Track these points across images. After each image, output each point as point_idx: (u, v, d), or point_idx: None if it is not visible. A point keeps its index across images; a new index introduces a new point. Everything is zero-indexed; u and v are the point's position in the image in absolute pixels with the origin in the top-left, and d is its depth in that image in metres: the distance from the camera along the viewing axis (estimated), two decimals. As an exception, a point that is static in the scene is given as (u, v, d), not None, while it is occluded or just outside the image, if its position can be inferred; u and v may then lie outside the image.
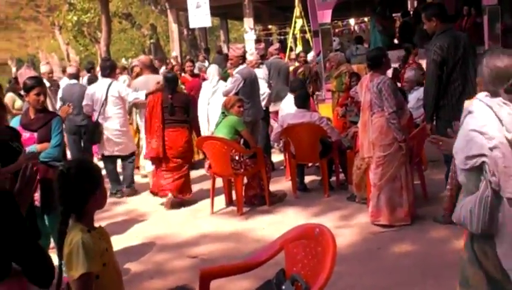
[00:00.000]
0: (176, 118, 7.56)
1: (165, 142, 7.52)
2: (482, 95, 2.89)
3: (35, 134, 5.17)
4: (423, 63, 6.49)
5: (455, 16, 14.11)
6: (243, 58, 8.63)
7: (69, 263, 2.65)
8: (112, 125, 8.23)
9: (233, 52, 8.69)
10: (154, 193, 7.86)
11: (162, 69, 12.02)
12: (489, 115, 2.78)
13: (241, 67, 8.47)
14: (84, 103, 8.33)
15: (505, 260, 2.80)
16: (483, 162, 2.75)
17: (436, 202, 6.49)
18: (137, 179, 9.15)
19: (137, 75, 9.33)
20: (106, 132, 8.23)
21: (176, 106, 7.59)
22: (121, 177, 8.69)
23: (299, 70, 10.68)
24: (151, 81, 8.26)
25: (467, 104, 3.31)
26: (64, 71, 14.12)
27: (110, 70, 8.41)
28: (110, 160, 8.51)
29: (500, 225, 2.79)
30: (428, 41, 12.94)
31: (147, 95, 8.03)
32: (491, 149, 2.74)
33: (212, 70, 9.17)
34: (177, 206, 7.61)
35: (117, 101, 8.23)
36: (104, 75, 8.48)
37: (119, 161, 8.64)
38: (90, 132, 8.37)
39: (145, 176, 9.13)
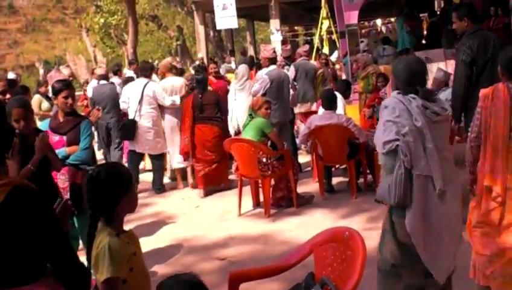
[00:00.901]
0: (205, 115, 8.15)
1: (196, 137, 8.22)
2: (394, 93, 3.57)
3: (65, 137, 5.20)
4: (450, 63, 6.43)
5: (482, 17, 13.92)
6: (272, 59, 8.69)
7: (96, 266, 2.69)
8: (144, 123, 8.53)
9: (262, 53, 8.86)
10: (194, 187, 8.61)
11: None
12: (401, 108, 3.42)
13: (270, 68, 8.51)
14: (121, 100, 8.80)
15: (410, 226, 3.43)
16: (397, 145, 3.38)
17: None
18: (165, 180, 9.22)
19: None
20: (139, 129, 8.51)
21: (206, 104, 8.19)
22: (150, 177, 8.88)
23: (319, 72, 10.62)
24: (177, 83, 8.83)
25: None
26: (92, 73, 14.29)
27: (150, 71, 9.05)
28: (137, 157, 8.83)
29: (411, 197, 3.42)
30: (455, 42, 12.84)
31: (181, 99, 8.59)
32: (403, 135, 3.38)
33: (242, 70, 9.23)
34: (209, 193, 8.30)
35: (151, 101, 8.55)
36: (144, 76, 8.82)
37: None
38: (126, 128, 8.61)
39: (174, 179, 9.27)
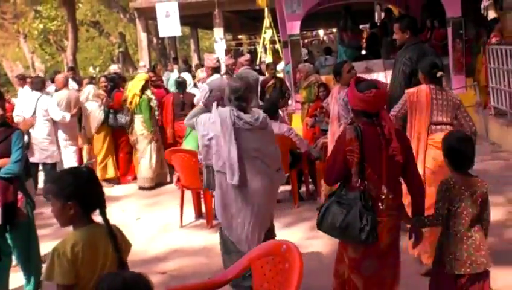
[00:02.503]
0: (185, 113, 8.24)
1: (175, 131, 9.42)
2: (214, 106, 4.56)
3: (-5, 149, 4.91)
4: (389, 73, 6.58)
5: (420, 29, 14.32)
6: (215, 68, 8.72)
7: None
8: (39, 134, 8.76)
9: (206, 62, 9.01)
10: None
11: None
12: (214, 118, 4.35)
13: (212, 77, 8.52)
14: (14, 113, 9.16)
15: (216, 213, 4.51)
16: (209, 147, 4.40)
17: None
18: (107, 191, 9.02)
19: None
20: (33, 140, 8.67)
21: (186, 103, 9.33)
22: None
23: (269, 84, 10.65)
24: (71, 96, 9.33)
25: None
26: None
27: (41, 85, 9.42)
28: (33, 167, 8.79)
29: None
30: (394, 53, 13.15)
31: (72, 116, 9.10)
32: (208, 140, 4.36)
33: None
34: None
35: (45, 113, 8.90)
36: (36, 89, 9.16)
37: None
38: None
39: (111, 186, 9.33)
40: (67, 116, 9.01)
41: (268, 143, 4.48)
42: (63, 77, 9.98)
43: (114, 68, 14.44)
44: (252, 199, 4.35)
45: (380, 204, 3.50)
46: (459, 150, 3.69)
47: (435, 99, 4.89)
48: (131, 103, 9.16)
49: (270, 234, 4.65)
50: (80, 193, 2.82)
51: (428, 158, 4.95)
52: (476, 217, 3.62)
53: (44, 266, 2.89)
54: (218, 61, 9.08)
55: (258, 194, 4.36)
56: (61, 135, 9.14)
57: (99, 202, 2.92)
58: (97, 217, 2.97)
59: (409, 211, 3.83)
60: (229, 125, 4.25)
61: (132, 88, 9.22)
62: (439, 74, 4.93)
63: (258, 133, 4.37)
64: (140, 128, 9.16)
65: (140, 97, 9.07)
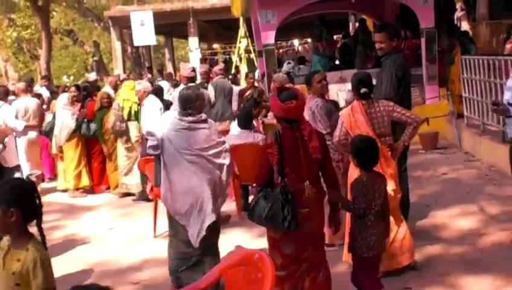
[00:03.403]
0: None
1: None
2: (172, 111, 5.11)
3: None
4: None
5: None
6: (191, 78, 8.68)
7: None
8: None
9: (181, 72, 8.93)
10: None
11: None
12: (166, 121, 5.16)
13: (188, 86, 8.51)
14: None
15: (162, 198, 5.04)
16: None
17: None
18: (80, 201, 9.03)
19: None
20: None
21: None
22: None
23: (247, 93, 10.65)
24: (30, 103, 9.45)
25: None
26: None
27: (3, 95, 9.46)
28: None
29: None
30: (367, 62, 13.24)
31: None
32: (159, 139, 4.82)
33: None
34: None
35: (4, 121, 9.02)
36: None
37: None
38: None
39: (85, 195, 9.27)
40: (20, 125, 9.02)
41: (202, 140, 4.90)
42: (23, 84, 10.04)
43: (92, 76, 14.31)
44: (196, 189, 4.81)
45: (301, 197, 3.99)
46: (366, 152, 4.26)
47: (369, 114, 5.04)
48: (123, 109, 9.04)
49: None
50: (21, 201, 2.84)
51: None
52: (383, 208, 4.25)
53: None
54: (193, 70, 9.04)
55: (202, 186, 4.82)
56: (22, 156, 9.07)
57: (37, 213, 2.93)
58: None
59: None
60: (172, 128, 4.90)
61: (128, 96, 9.10)
62: (362, 90, 5.06)
63: (199, 131, 4.88)
64: (136, 134, 9.02)
65: (138, 105, 8.99)
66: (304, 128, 4.03)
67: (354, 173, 4.81)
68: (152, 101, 8.65)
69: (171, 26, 22.95)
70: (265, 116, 10.03)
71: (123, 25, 21.72)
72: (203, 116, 4.97)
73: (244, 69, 17.48)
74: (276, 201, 3.93)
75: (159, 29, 20.34)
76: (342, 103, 9.69)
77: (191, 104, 4.88)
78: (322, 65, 14.25)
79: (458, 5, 12.57)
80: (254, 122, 8.68)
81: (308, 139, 4.00)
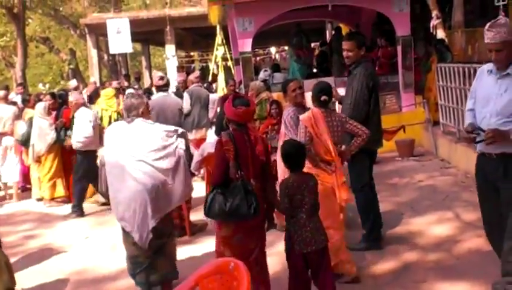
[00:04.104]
0: None
1: None
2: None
3: None
4: (342, 91, 6.58)
5: (371, 47, 14.58)
6: (161, 86, 8.64)
7: None
8: None
9: (154, 80, 8.88)
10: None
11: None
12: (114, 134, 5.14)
13: (158, 94, 8.49)
14: None
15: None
16: None
17: (355, 227, 6.53)
18: (56, 210, 9.06)
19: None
20: None
21: None
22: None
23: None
24: (5, 112, 9.94)
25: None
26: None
27: None
28: None
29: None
30: (345, 70, 13.29)
31: None
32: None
33: None
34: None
35: None
36: None
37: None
38: None
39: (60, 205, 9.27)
40: None
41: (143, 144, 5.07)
42: (3, 93, 10.19)
43: (73, 84, 14.20)
44: (133, 195, 4.96)
45: None
46: (293, 154, 4.61)
47: (327, 122, 5.23)
48: (102, 118, 9.01)
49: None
50: None
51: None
52: (314, 204, 4.51)
53: None
54: (161, 79, 9.00)
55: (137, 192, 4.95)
56: None
57: None
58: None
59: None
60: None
61: (107, 105, 9.06)
62: (322, 98, 5.25)
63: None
64: None
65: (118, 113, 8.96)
66: (250, 133, 4.49)
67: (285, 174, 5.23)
68: (83, 113, 8.66)
69: (147, 34, 22.86)
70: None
71: (99, 32, 21.56)
72: (149, 122, 5.18)
73: (221, 77, 17.46)
74: (238, 193, 4.23)
75: (135, 37, 20.26)
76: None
77: (134, 111, 5.09)
78: (301, 73, 14.32)
79: (434, 13, 12.64)
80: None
81: (255, 143, 4.44)
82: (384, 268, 5.53)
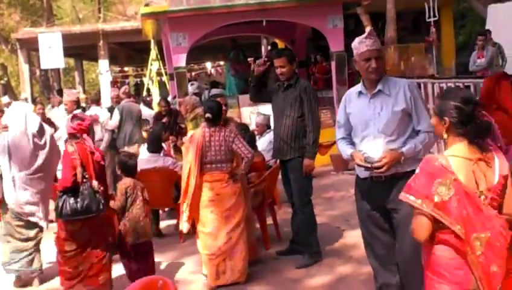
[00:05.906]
0: None
1: None
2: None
3: None
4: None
5: (306, 62, 14.74)
6: (77, 102, 8.64)
7: None
8: None
9: (67, 97, 8.97)
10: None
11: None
12: None
13: (76, 112, 8.38)
14: None
15: None
16: None
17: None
18: None
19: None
20: None
21: None
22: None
23: (164, 120, 10.39)
24: None
25: None
26: None
27: None
28: None
29: None
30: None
31: None
32: None
33: None
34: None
35: None
36: None
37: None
38: None
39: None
40: None
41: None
42: None
43: (5, 100, 13.80)
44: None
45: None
46: (129, 167, 5.85)
47: (208, 142, 5.56)
48: None
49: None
50: None
51: (205, 190, 5.67)
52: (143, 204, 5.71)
53: None
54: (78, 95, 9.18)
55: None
56: None
57: None
58: None
59: None
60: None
61: None
62: (206, 115, 5.65)
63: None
64: None
65: None
66: (88, 144, 5.37)
67: None
68: None
69: (80, 49, 22.40)
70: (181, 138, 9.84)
71: (31, 47, 20.99)
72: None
73: (155, 92, 17.25)
74: (88, 194, 5.17)
75: (68, 52, 19.83)
76: (253, 126, 9.68)
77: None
78: (239, 88, 14.30)
79: (367, 29, 12.91)
80: (164, 145, 8.53)
81: (93, 152, 5.34)
82: (320, 281, 5.54)
